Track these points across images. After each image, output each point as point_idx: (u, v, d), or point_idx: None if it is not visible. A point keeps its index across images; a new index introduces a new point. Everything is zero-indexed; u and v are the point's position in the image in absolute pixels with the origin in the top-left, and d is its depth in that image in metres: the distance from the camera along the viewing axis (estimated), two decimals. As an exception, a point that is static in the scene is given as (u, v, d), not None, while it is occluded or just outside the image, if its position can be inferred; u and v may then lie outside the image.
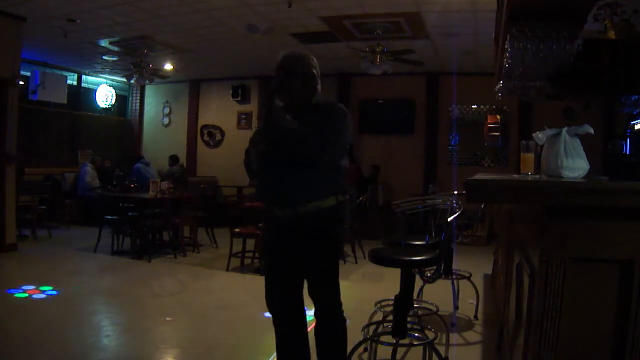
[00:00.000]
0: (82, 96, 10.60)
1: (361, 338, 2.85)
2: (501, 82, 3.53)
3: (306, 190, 2.25)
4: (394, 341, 2.65)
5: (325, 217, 2.29)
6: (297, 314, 2.43)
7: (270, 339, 2.47)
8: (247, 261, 6.02)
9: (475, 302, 4.10)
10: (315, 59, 2.40)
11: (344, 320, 2.40)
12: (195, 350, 3.30)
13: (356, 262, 6.20)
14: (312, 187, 2.25)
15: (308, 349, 2.46)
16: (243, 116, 10.69)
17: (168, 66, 9.25)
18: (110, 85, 10.98)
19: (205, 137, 11.06)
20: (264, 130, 2.26)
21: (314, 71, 2.36)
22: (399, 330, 2.63)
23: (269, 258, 2.52)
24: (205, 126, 11.07)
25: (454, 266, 3.86)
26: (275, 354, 2.48)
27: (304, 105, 2.31)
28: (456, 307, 3.99)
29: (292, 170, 2.25)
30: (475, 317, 4.02)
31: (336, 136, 2.26)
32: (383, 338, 2.82)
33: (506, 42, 2.93)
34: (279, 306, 2.42)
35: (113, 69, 9.85)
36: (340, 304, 2.39)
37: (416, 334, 2.92)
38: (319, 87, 2.39)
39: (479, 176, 1.98)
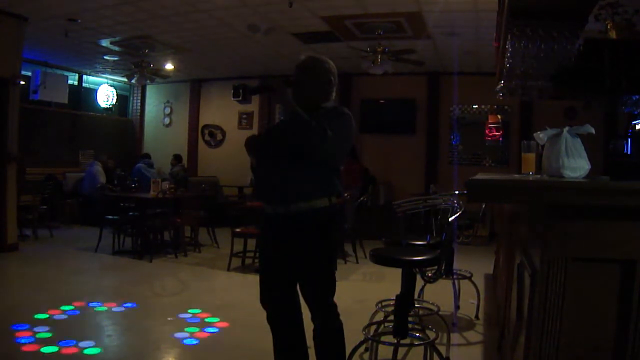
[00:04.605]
0: (83, 96, 10.61)
1: (362, 338, 2.84)
2: (502, 81, 3.53)
3: (298, 189, 2.25)
4: (395, 341, 2.65)
5: (318, 218, 2.28)
6: (292, 315, 2.41)
7: (271, 338, 2.47)
8: (248, 261, 6.03)
9: (476, 302, 4.10)
10: (335, 67, 2.42)
11: (340, 322, 2.38)
12: (196, 350, 3.30)
13: (357, 262, 6.20)
14: (304, 187, 2.25)
15: (306, 351, 2.44)
16: (244, 116, 10.70)
17: (169, 66, 9.25)
18: (111, 85, 10.98)
19: (206, 137, 11.06)
20: (290, 120, 2.21)
21: (331, 78, 2.39)
22: (400, 330, 2.63)
23: (263, 258, 2.52)
24: (206, 126, 11.08)
25: (455, 266, 3.86)
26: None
27: (312, 107, 2.30)
28: (457, 307, 3.99)
29: (287, 168, 2.26)
30: (477, 317, 4.02)
31: (345, 139, 2.28)
32: (384, 338, 2.82)
33: (507, 42, 2.93)
34: (273, 307, 2.41)
35: (114, 68, 9.85)
36: (334, 306, 2.37)
37: (417, 334, 2.92)
38: (333, 95, 2.42)
39: (480, 176, 1.98)
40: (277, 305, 2.40)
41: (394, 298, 2.68)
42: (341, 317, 2.40)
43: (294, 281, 2.38)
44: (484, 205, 4.46)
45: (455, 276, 3.95)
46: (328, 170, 2.30)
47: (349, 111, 2.38)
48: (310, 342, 2.40)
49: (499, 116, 9.01)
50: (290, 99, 2.24)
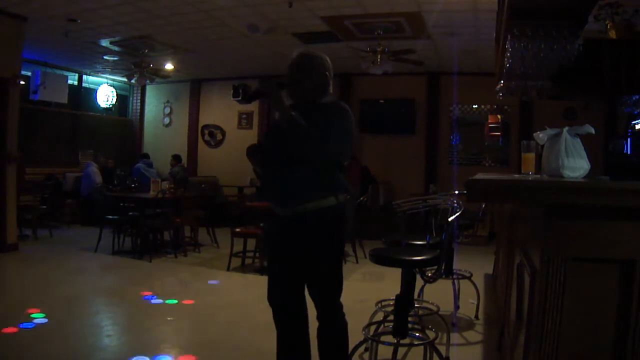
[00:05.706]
0: (83, 96, 10.61)
1: (362, 338, 2.84)
2: (502, 81, 3.53)
3: (306, 189, 2.25)
4: (395, 341, 2.65)
5: (326, 216, 2.28)
6: (298, 315, 2.42)
7: (271, 338, 2.47)
8: (248, 261, 6.03)
9: (476, 302, 4.10)
10: (329, 61, 2.40)
11: (345, 322, 2.39)
12: (196, 350, 3.30)
13: (357, 262, 6.20)
14: (310, 187, 2.25)
15: (309, 350, 2.45)
16: (244, 116, 10.70)
17: (169, 66, 9.25)
18: (111, 85, 10.99)
19: (206, 137, 11.06)
20: (287, 127, 2.20)
21: (327, 73, 2.37)
22: (400, 330, 2.63)
23: (271, 258, 2.53)
24: (206, 126, 11.08)
25: (455, 266, 3.86)
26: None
27: (311, 104, 2.30)
28: (457, 307, 3.99)
29: (292, 169, 2.25)
30: (476, 317, 4.02)
31: (347, 135, 2.27)
32: (384, 338, 2.82)
33: (507, 42, 2.92)
34: (281, 306, 2.42)
35: (114, 68, 9.85)
36: (340, 306, 2.38)
37: (417, 334, 2.92)
38: (330, 89, 2.40)
39: (479, 176, 1.98)
40: (285, 305, 2.41)
41: (394, 298, 2.68)
42: (342, 317, 2.41)
43: (302, 281, 2.38)
44: (484, 205, 4.46)
45: (455, 276, 3.94)
46: (332, 167, 2.29)
47: (347, 105, 2.36)
48: (313, 340, 2.41)
49: (499, 116, 9.01)
50: (285, 104, 2.23)
